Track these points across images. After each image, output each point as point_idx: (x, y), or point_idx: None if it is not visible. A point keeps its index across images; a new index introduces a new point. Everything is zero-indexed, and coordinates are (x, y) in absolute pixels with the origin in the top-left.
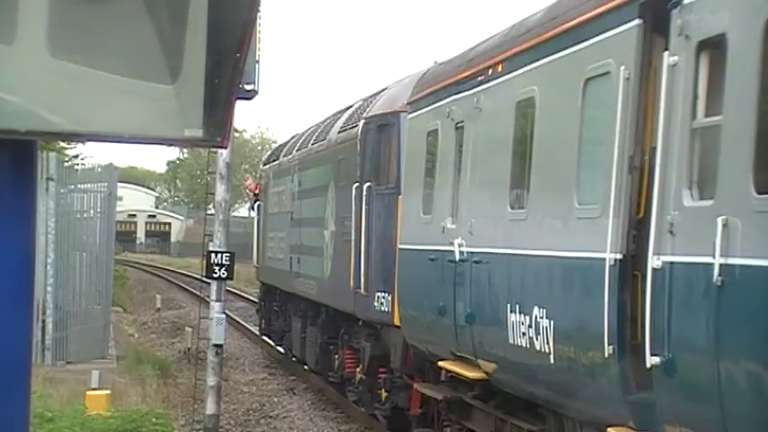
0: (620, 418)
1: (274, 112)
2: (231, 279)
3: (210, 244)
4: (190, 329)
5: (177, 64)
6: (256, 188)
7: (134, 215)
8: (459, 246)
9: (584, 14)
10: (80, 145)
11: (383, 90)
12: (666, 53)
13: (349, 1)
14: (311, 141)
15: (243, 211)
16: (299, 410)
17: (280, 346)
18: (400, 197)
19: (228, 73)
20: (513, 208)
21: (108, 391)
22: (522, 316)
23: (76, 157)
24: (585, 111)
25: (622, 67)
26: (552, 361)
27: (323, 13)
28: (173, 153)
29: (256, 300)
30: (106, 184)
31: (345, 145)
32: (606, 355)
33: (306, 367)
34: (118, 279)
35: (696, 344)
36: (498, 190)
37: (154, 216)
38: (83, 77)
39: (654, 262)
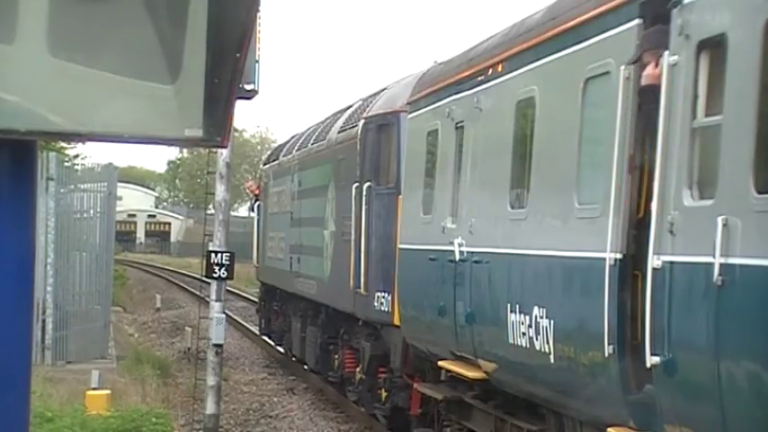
0: (620, 418)
1: (274, 112)
2: (231, 279)
3: (210, 244)
4: (190, 329)
5: (177, 64)
6: (257, 189)
7: (134, 215)
8: (459, 245)
9: (585, 14)
10: (80, 145)
11: (383, 90)
12: (667, 53)
13: (349, 1)
14: (311, 141)
15: (243, 211)
16: (299, 410)
17: (280, 345)
18: (400, 197)
19: (228, 73)
20: (513, 208)
21: (108, 391)
22: (522, 316)
23: (76, 157)
24: (585, 111)
25: (622, 67)
26: (552, 361)
27: (323, 13)
28: (173, 153)
29: (256, 300)
30: (106, 183)
31: (345, 145)
32: (606, 354)
33: (306, 367)
34: (118, 279)
35: (696, 344)
36: (498, 190)
37: (154, 216)
38: (83, 77)
39: (654, 262)
